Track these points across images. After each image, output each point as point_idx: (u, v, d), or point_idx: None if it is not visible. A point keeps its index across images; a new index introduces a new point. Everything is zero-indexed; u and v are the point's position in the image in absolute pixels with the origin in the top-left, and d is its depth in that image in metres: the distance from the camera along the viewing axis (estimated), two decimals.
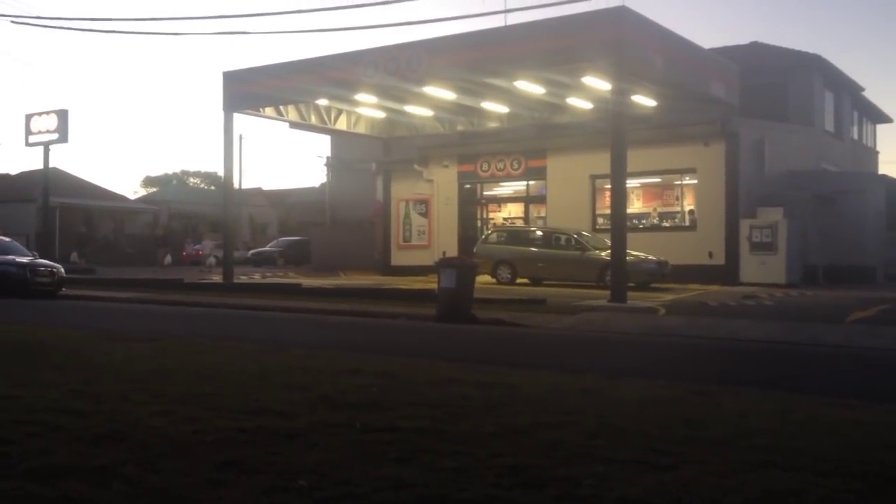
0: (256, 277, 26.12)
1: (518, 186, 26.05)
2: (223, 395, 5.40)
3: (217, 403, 5.06)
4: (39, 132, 30.80)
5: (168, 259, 36.30)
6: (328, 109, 26.29)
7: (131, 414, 4.74)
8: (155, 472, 3.61)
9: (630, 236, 17.37)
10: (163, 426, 4.41)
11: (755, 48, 30.45)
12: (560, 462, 3.74)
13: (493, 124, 26.41)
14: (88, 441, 4.09)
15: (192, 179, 77.75)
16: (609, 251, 17.40)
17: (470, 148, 26.48)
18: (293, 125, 26.96)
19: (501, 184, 26.44)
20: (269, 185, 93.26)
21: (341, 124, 27.34)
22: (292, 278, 25.36)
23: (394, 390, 5.64)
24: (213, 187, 67.63)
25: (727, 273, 21.05)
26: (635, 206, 22.97)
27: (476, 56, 19.23)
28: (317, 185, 52.80)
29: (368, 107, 25.21)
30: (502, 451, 3.88)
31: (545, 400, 4.94)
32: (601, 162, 18.47)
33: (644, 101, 21.35)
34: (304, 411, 4.83)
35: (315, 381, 5.97)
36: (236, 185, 31.38)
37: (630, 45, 17.24)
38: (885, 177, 29.40)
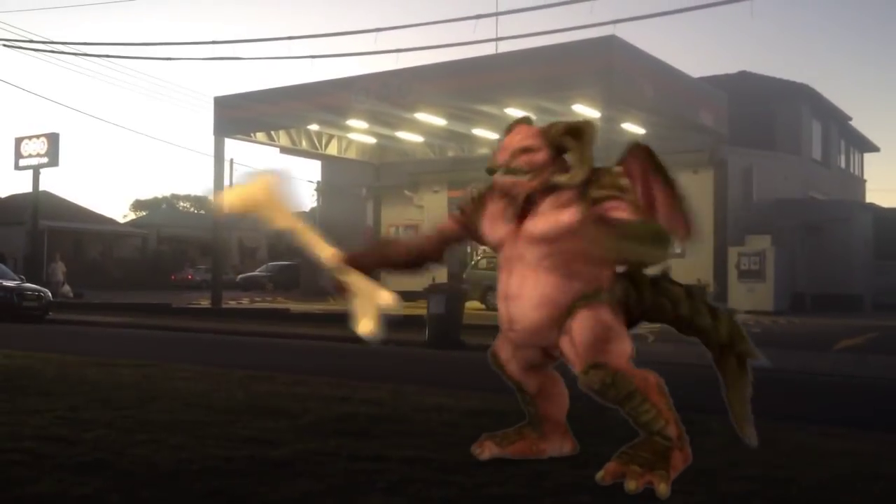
0: (245, 302, 26.04)
1: None
2: (210, 422, 5.36)
3: (204, 431, 5.02)
4: (30, 156, 30.64)
5: None
6: (319, 135, 26.37)
7: (117, 442, 4.70)
8: (140, 501, 3.57)
9: None
10: (149, 454, 4.37)
11: (743, 77, 30.77)
12: (547, 492, 3.72)
13: (483, 150, 26.50)
14: (73, 469, 4.05)
15: (181, 203, 77.59)
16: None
17: (460, 174, 26.53)
18: (284, 150, 27.01)
19: None
20: None
21: (332, 150, 27.42)
22: (281, 303, 25.30)
23: (381, 418, 5.62)
24: (202, 211, 67.51)
25: (715, 300, 21.01)
26: None
27: (467, 83, 19.38)
28: (307, 209, 52.84)
29: (359, 132, 25.32)
30: (490, 480, 3.87)
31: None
32: None
33: (633, 128, 21.50)
34: (291, 439, 4.80)
35: (303, 408, 5.93)
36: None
37: (619, 73, 17.40)
38: (872, 205, 29.60)
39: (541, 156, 3.71)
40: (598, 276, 3.70)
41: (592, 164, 3.74)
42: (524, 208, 3.78)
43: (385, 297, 3.98)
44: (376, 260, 4.22)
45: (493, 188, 3.88)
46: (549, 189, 3.73)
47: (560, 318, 3.68)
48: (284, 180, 4.17)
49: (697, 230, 3.94)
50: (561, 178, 3.70)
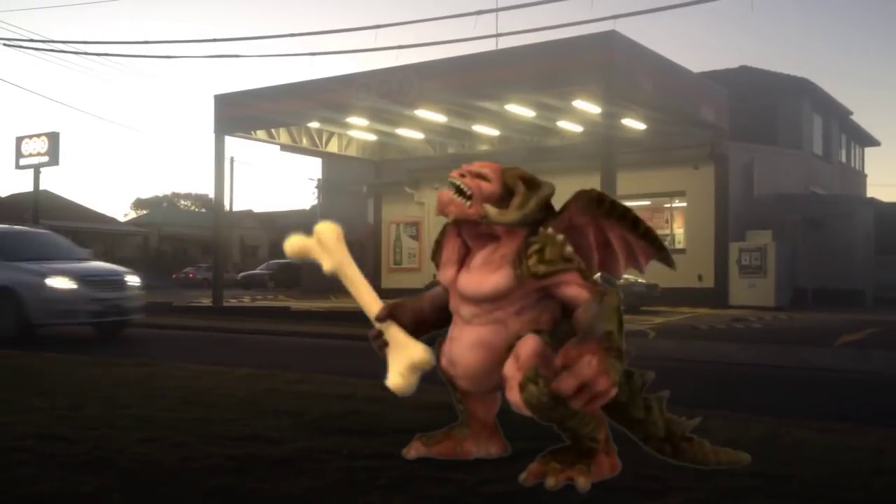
0: (246, 300, 26.05)
1: None
2: (212, 420, 5.37)
3: (206, 430, 5.03)
4: (30, 155, 30.61)
5: None
6: (319, 132, 26.37)
7: (119, 440, 4.71)
8: (142, 500, 3.58)
9: None
10: (150, 453, 4.38)
11: (744, 72, 30.75)
12: (549, 489, 3.72)
13: (483, 147, 26.52)
14: (74, 468, 4.06)
15: (182, 202, 77.67)
16: (599, 274, 17.42)
17: None
18: (284, 148, 27.03)
19: None
20: (260, 207, 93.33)
21: (332, 147, 27.43)
22: (282, 301, 25.31)
23: (383, 415, 5.62)
24: (203, 210, 67.57)
25: (716, 296, 21.10)
26: None
27: (467, 79, 19.37)
28: (308, 207, 52.89)
29: (360, 129, 25.31)
30: (490, 477, 3.87)
31: (533, 425, 4.93)
32: (591, 185, 18.44)
33: (634, 124, 21.50)
34: (293, 437, 4.81)
35: (304, 406, 5.94)
36: (227, 208, 31.33)
37: (620, 69, 17.38)
38: (873, 200, 29.56)
39: (489, 187, 3.61)
40: (536, 319, 3.66)
41: (528, 215, 3.60)
42: (465, 253, 3.78)
43: (419, 353, 3.92)
44: (415, 316, 4.06)
45: (437, 209, 3.75)
46: (485, 238, 3.67)
47: (497, 361, 3.61)
48: (339, 230, 4.20)
49: (664, 252, 3.78)
50: (492, 211, 3.56)
